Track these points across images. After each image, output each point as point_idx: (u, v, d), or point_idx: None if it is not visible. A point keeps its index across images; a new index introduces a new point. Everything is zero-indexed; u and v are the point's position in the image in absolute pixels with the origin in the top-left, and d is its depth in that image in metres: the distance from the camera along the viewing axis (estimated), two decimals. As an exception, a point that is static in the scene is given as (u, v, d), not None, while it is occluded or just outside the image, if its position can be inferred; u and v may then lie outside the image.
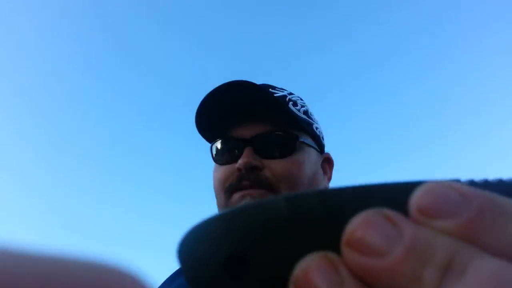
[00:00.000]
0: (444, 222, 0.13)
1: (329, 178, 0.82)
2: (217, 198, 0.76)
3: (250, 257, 0.14)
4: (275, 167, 0.70)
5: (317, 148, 0.80)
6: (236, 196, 0.69)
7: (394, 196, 0.14)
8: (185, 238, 0.15)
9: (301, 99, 0.82)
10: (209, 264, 0.14)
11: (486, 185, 0.16)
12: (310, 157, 0.76)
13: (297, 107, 0.77)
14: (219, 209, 0.75)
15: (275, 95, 0.75)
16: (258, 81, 0.77)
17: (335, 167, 0.83)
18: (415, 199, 0.14)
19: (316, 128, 0.80)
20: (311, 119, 0.80)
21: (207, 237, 0.15)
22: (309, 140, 0.77)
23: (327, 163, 0.83)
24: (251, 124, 0.74)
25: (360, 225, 0.13)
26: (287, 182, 0.69)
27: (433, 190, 0.14)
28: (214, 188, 0.77)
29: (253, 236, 0.14)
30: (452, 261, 0.12)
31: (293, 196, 0.15)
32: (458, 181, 0.16)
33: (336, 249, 0.13)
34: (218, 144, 0.77)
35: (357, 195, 0.15)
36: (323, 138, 0.82)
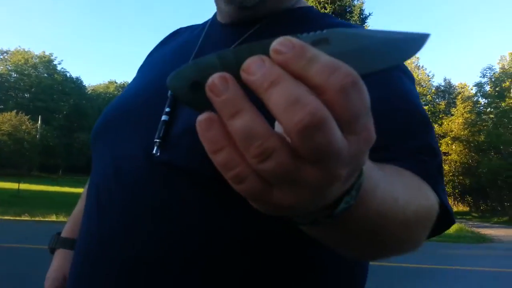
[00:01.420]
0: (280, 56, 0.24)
1: None
2: None
3: (201, 83, 0.26)
4: None
5: None
6: None
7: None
8: (174, 74, 0.27)
9: None
10: (182, 86, 0.27)
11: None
12: None
13: None
14: None
15: None
16: None
17: None
18: (272, 45, 0.24)
19: None
20: None
21: (183, 74, 0.27)
22: None
23: None
24: None
25: (250, 60, 0.24)
26: None
27: (280, 40, 0.25)
28: None
29: (204, 73, 0.26)
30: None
31: (222, 55, 0.26)
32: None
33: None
34: None
35: (248, 52, 0.26)
36: None
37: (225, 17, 0.78)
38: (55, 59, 51.13)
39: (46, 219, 10.12)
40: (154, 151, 0.59)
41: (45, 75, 49.38)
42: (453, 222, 0.57)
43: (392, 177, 0.45)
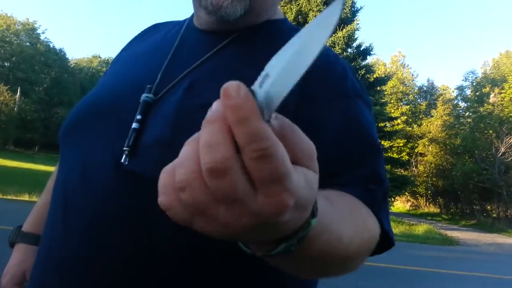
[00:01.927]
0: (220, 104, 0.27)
1: None
2: None
3: None
4: None
5: None
6: None
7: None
8: None
9: None
10: None
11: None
12: None
13: None
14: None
15: None
16: None
17: None
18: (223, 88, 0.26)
19: None
20: None
21: None
22: None
23: None
24: None
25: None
26: None
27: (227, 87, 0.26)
28: None
29: None
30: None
31: None
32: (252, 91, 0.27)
33: None
34: None
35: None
36: None
37: (202, 24, 0.77)
38: (38, 28, 49.23)
39: (19, 198, 9.83)
40: (122, 160, 0.60)
41: (27, 44, 47.65)
42: (392, 245, 0.64)
43: (341, 213, 0.48)
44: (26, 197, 10.17)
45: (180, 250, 0.57)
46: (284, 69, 0.27)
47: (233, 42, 0.73)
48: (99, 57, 65.21)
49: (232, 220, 0.28)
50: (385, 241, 0.62)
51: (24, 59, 45.57)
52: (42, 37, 49.95)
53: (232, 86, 0.26)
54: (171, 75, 0.70)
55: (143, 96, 0.66)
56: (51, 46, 51.42)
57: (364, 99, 0.71)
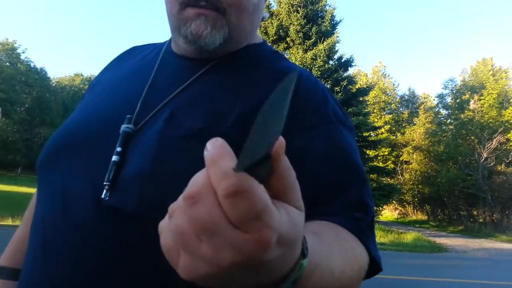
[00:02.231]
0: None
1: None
2: (169, 12, 0.73)
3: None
4: None
5: None
6: (191, 11, 0.68)
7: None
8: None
9: None
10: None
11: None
12: None
13: None
14: (171, 24, 0.74)
15: None
16: None
17: None
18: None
19: None
20: None
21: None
22: None
23: None
24: None
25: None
26: (236, 9, 0.70)
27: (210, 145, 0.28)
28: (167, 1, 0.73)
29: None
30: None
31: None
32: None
33: None
34: None
35: None
36: None
37: (181, 51, 0.77)
38: (18, 47, 48.89)
39: (1, 223, 9.52)
40: (103, 196, 0.58)
41: (7, 63, 47.19)
42: (380, 270, 0.64)
43: (330, 247, 0.49)
44: (9, 221, 9.86)
45: (168, 286, 0.56)
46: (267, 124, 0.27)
47: (212, 70, 0.73)
48: (81, 75, 64.85)
49: (214, 254, 0.27)
50: (373, 266, 0.62)
51: (4, 79, 44.97)
52: (22, 56, 49.49)
53: (212, 142, 0.28)
54: (150, 103, 0.69)
55: (123, 127, 0.65)
56: (31, 66, 50.96)
57: (346, 124, 0.71)
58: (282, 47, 18.74)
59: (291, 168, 0.30)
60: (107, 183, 0.59)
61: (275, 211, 0.27)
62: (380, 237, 14.42)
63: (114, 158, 0.61)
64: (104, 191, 0.59)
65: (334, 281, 0.46)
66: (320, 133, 0.67)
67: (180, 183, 0.32)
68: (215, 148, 0.27)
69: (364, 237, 0.60)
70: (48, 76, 54.89)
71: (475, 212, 28.61)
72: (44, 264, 0.60)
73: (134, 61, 0.84)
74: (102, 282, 0.56)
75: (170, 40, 0.82)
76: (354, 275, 0.53)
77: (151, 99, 0.70)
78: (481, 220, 26.99)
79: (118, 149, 0.62)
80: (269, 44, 0.87)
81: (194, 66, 0.73)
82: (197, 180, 0.28)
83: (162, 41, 0.90)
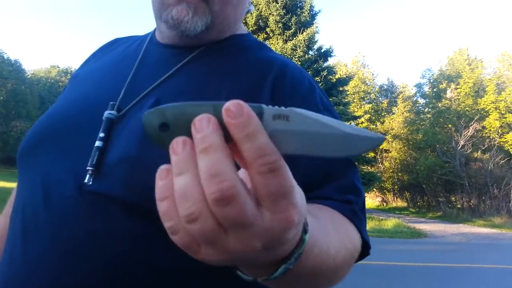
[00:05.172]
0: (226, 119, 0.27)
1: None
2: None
3: (169, 125, 0.28)
4: None
5: None
6: None
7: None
8: (146, 115, 0.29)
9: None
10: (153, 126, 0.29)
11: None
12: None
13: None
14: (154, 10, 0.74)
15: None
16: None
17: None
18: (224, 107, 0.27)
19: None
20: None
21: (152, 116, 0.29)
22: None
23: None
24: None
25: (200, 117, 0.27)
26: None
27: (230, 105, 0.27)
28: None
29: (169, 118, 0.28)
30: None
31: (200, 107, 0.28)
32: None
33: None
34: None
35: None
36: None
37: (165, 39, 0.77)
38: (-10, 40, 47.30)
39: None
40: (86, 180, 0.57)
41: (-21, 56, 45.78)
42: (368, 254, 0.65)
43: (325, 226, 0.50)
44: (-15, 218, 9.60)
45: (158, 275, 0.55)
46: (309, 132, 0.28)
47: (197, 57, 0.73)
48: (58, 66, 63.25)
49: (242, 246, 0.28)
50: (363, 250, 0.64)
51: (-23, 72, 43.56)
52: (-5, 48, 47.93)
53: (234, 105, 0.27)
54: (135, 91, 0.68)
55: (106, 113, 0.64)
56: (5, 57, 49.48)
57: (332, 112, 0.73)
58: (262, 37, 18.69)
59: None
60: (90, 168, 0.58)
61: (297, 188, 0.28)
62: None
63: (97, 143, 0.60)
64: (88, 176, 0.57)
65: (330, 259, 0.47)
66: None
67: None
68: (246, 116, 0.27)
69: (357, 220, 0.62)
70: (23, 68, 53.50)
71: (453, 198, 29.28)
72: (24, 252, 0.58)
73: (118, 52, 0.83)
74: (82, 268, 0.54)
75: (155, 30, 0.82)
76: (348, 255, 0.54)
77: (135, 86, 0.69)
78: (458, 206, 27.65)
79: (101, 134, 0.61)
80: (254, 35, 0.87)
81: (179, 54, 0.73)
82: (223, 171, 0.27)
83: (141, 34, 0.89)
